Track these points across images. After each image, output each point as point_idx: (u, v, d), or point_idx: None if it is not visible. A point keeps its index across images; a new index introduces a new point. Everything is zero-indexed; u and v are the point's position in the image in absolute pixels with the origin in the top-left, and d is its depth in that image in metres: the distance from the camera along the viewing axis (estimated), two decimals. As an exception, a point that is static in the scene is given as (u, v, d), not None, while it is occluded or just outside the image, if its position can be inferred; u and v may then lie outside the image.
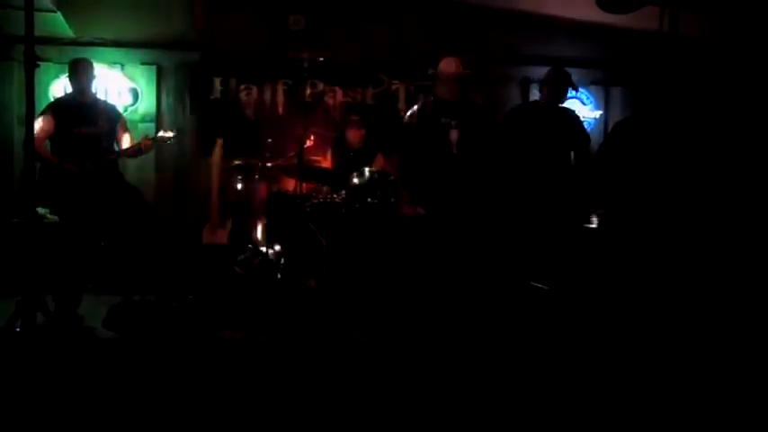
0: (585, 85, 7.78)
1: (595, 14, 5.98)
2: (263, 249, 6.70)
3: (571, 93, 7.54)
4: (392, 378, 4.04)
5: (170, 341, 4.41)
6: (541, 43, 7.59)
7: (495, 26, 7.57)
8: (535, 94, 7.24)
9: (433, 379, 4.01)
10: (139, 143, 5.72)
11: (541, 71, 6.27)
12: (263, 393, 3.77)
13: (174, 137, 5.88)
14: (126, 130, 5.87)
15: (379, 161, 6.92)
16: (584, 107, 7.76)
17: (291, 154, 6.69)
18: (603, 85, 7.84)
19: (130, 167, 6.42)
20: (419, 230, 5.35)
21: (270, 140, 6.90)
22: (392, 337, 4.97)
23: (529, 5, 7.28)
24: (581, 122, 6.16)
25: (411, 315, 5.38)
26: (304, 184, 6.37)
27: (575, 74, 7.48)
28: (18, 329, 4.10)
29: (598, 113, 7.77)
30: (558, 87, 5.88)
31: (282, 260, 6.34)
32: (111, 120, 5.69)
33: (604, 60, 7.67)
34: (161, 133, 5.88)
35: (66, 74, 5.91)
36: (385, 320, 5.50)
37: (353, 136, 6.98)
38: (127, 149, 5.69)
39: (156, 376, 4.00)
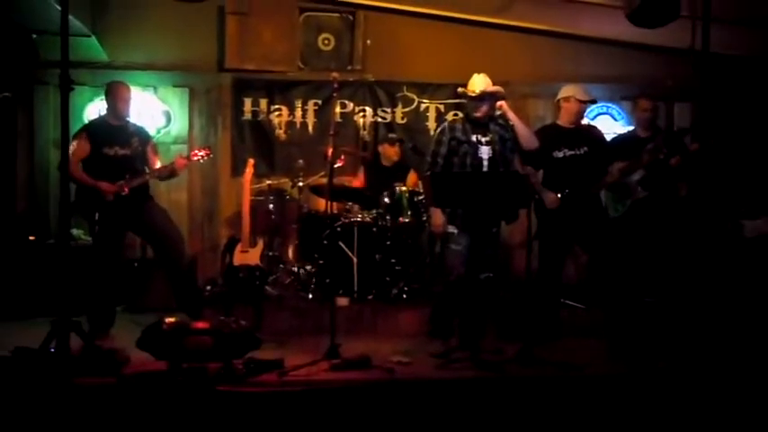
0: (617, 101, 7.72)
1: (626, 31, 5.94)
2: (295, 269, 6.72)
3: (600, 108, 7.54)
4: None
5: (202, 362, 4.40)
6: (572, 60, 7.56)
7: (525, 44, 7.55)
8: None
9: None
10: (173, 162, 5.77)
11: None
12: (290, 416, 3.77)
13: (206, 153, 5.95)
14: (156, 152, 5.92)
15: (412, 179, 6.92)
16: (616, 123, 7.69)
17: (322, 174, 6.72)
18: (635, 101, 7.76)
19: (162, 188, 6.48)
20: (451, 248, 5.31)
21: (300, 161, 6.94)
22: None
23: (559, 24, 7.26)
24: (605, 140, 6.06)
25: (443, 333, 5.37)
26: (335, 204, 6.38)
27: (605, 89, 7.49)
28: (53, 350, 4.13)
29: (630, 129, 7.69)
30: (570, 106, 5.77)
31: (314, 280, 6.35)
32: (141, 141, 5.74)
33: (635, 75, 7.60)
34: (196, 151, 5.95)
35: (101, 97, 5.98)
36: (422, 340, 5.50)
37: (389, 152, 7.00)
38: (160, 169, 5.74)
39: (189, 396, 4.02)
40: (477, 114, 5.26)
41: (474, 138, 5.25)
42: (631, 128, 6.35)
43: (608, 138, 6.24)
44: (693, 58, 4.28)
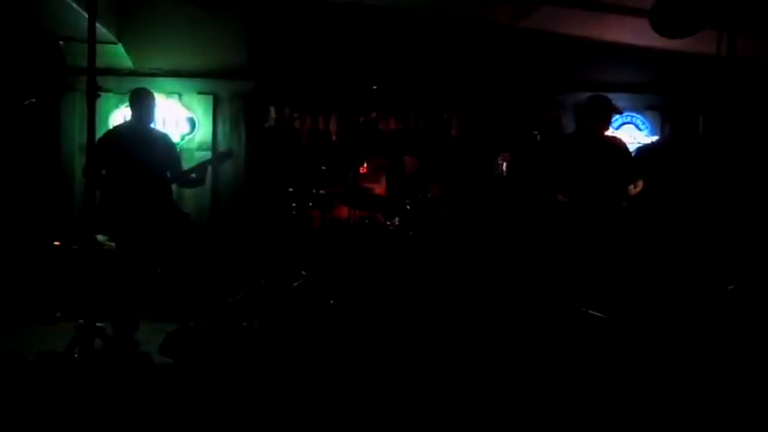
0: (641, 111, 7.67)
1: (651, 39, 5.90)
2: (317, 276, 6.72)
3: (625, 117, 7.51)
4: (445, 404, 4.00)
5: (225, 367, 4.42)
6: (596, 69, 7.53)
7: (549, 52, 7.53)
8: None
9: (485, 408, 3.96)
10: (192, 168, 5.79)
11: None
12: (314, 422, 3.76)
13: (225, 153, 6.00)
14: (179, 159, 5.97)
15: (435, 188, 6.91)
16: (640, 132, 7.64)
17: (344, 181, 6.73)
18: (660, 110, 7.72)
19: (186, 195, 6.51)
20: (472, 254, 5.31)
21: (323, 168, 6.95)
22: (444, 364, 4.94)
23: (584, 31, 7.23)
24: (628, 151, 6.02)
25: (462, 342, 5.34)
26: (357, 211, 6.39)
27: (630, 99, 7.45)
28: (77, 355, 4.16)
29: (654, 139, 7.65)
30: (596, 116, 5.73)
31: (336, 287, 6.35)
32: (164, 148, 5.78)
33: (660, 85, 7.56)
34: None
35: (126, 103, 6.03)
36: (439, 348, 5.47)
37: (410, 162, 6.99)
38: (183, 172, 5.77)
39: (211, 402, 4.02)
40: (499, 124, 5.26)
41: (495, 147, 5.25)
42: (655, 138, 6.32)
43: (632, 148, 6.22)
44: (720, 66, 4.25)
